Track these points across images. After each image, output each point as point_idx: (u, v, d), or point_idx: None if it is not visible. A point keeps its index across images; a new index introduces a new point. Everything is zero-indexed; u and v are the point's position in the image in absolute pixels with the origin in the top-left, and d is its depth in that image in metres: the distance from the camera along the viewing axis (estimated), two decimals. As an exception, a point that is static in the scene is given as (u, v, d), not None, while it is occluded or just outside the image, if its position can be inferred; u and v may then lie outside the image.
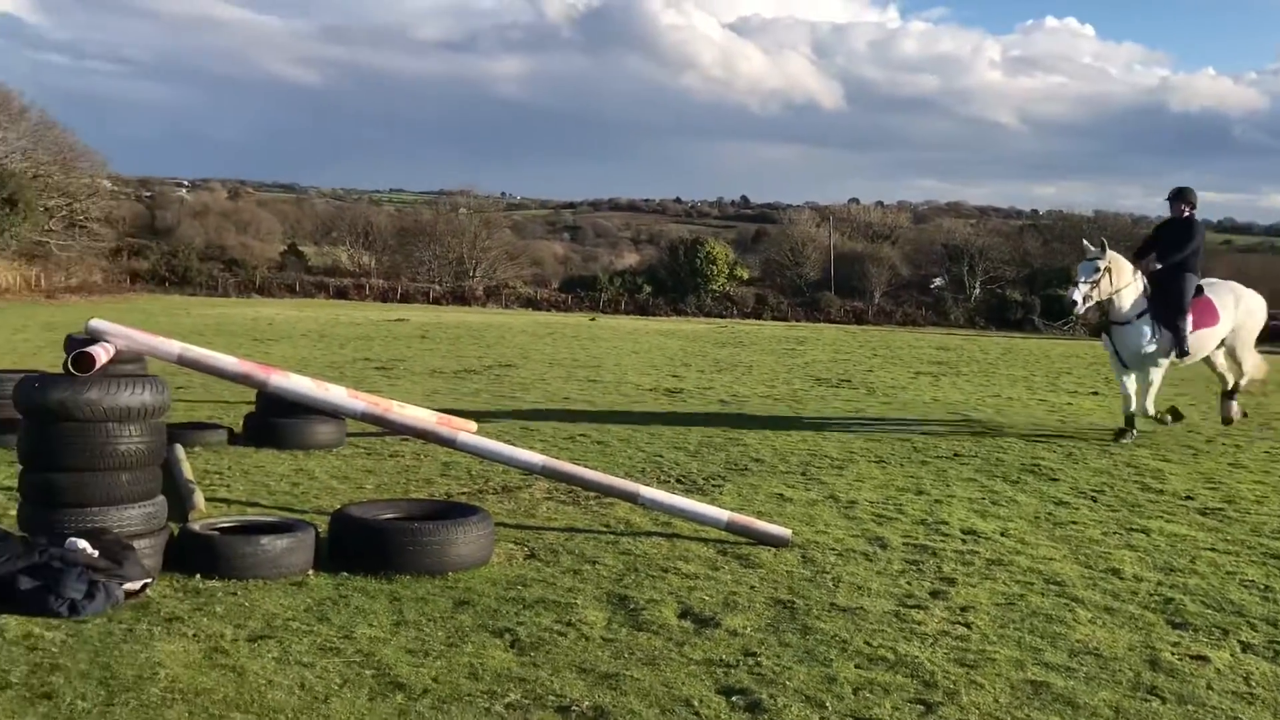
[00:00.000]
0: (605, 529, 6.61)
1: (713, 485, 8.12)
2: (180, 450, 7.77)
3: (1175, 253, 10.93)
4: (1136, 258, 11.30)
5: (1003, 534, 6.84)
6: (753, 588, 5.47)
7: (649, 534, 6.49)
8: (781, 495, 7.83)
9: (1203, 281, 11.27)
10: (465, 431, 7.80)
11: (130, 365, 7.97)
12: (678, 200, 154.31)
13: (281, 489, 7.45)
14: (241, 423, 9.52)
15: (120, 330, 6.75)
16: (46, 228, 44.00)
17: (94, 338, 6.50)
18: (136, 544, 5.01)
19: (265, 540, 5.25)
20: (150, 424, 5.25)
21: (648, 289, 57.37)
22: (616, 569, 5.70)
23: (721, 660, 4.40)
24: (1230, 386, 11.81)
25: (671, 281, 57.91)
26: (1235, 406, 11.84)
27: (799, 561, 6.01)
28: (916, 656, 4.52)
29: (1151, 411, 11.10)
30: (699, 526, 6.52)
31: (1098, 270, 10.70)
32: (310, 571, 5.36)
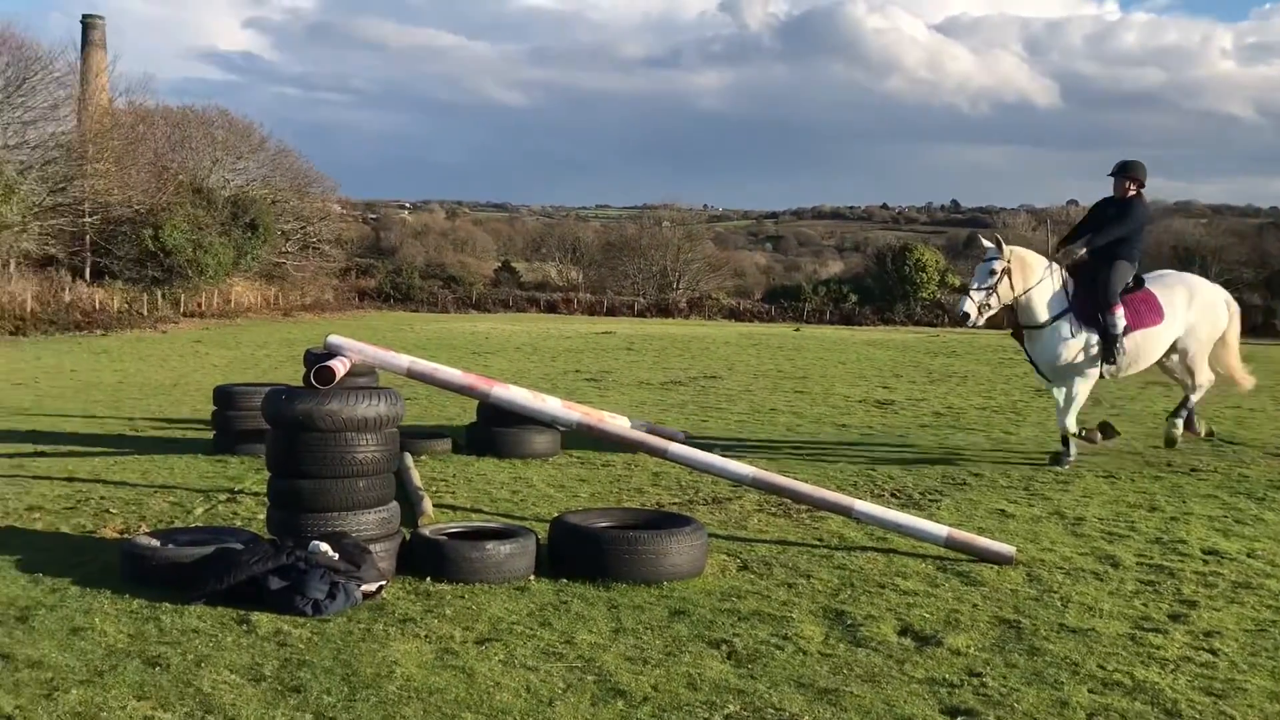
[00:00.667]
0: (818, 542, 6.53)
1: (929, 500, 7.91)
2: (409, 458, 8.15)
3: (1108, 237, 9.26)
4: (1064, 243, 9.86)
5: (1249, 555, 6.38)
6: (975, 606, 5.28)
7: (864, 549, 6.38)
8: (1003, 511, 7.54)
9: (1148, 275, 9.64)
10: (674, 442, 7.88)
11: (363, 378, 8.47)
12: (884, 206, 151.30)
13: (502, 496, 7.72)
14: (464, 432, 9.93)
15: (355, 345, 7.15)
16: (283, 250, 47.12)
17: (332, 353, 6.92)
18: (373, 547, 5.29)
19: (490, 546, 5.45)
20: (385, 433, 5.54)
21: (853, 298, 56.44)
22: (831, 583, 5.62)
23: (945, 680, 4.27)
24: (1184, 401, 9.94)
25: (879, 290, 56.78)
26: (1194, 424, 9.98)
27: (1024, 580, 5.77)
28: (1156, 683, 4.26)
29: (1072, 429, 9.37)
30: (916, 542, 6.36)
31: (994, 273, 9.22)
32: (531, 577, 5.52)
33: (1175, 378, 10.26)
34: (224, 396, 9.45)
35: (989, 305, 9.28)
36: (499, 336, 30.90)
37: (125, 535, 6.19)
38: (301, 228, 48.82)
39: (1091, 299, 9.19)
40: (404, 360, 7.29)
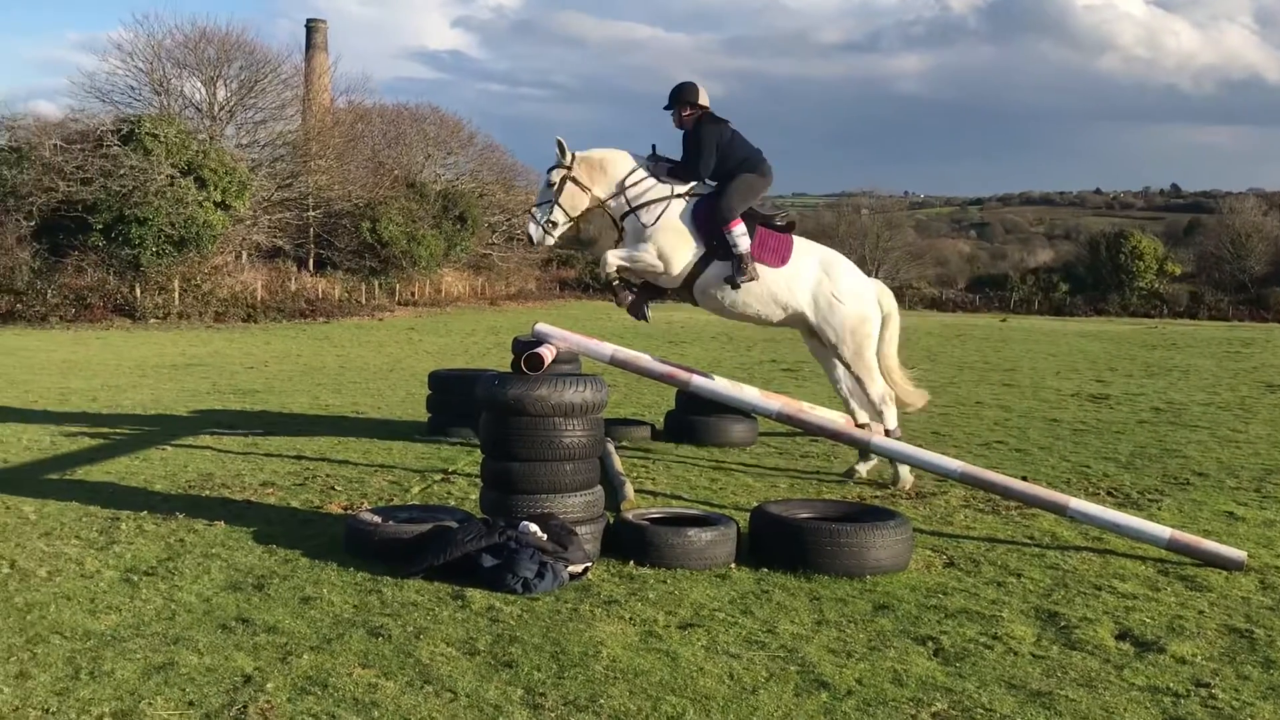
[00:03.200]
0: (1029, 540, 6.29)
1: (1149, 500, 7.50)
2: (610, 444, 8.31)
3: (690, 176, 7.98)
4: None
5: None
6: (1201, 612, 4.98)
7: (1078, 549, 6.11)
8: (1231, 514, 7.08)
9: (813, 247, 8.33)
10: (877, 435, 7.75)
11: (567, 365, 8.69)
12: (1097, 191, 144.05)
13: (701, 484, 7.77)
14: (663, 419, 10.05)
15: (561, 333, 7.34)
16: (490, 241, 48.80)
17: (539, 340, 7.13)
18: (579, 530, 5.43)
19: (692, 533, 5.50)
20: (591, 419, 5.66)
21: (1064, 287, 54.04)
22: (1044, 583, 5.41)
23: (1168, 689, 4.05)
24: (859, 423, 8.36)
25: (1091, 279, 54.18)
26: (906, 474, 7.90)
27: (1256, 587, 5.40)
28: None
29: (610, 267, 8.06)
30: (1135, 543, 6.05)
31: (552, 185, 7.99)
32: (732, 565, 5.54)
33: (840, 393, 8.68)
34: (438, 381, 9.88)
35: (554, 222, 8.04)
36: (694, 326, 31.07)
37: (349, 511, 6.56)
38: (507, 220, 50.41)
39: (708, 215, 7.93)
40: (608, 348, 7.44)
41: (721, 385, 7.79)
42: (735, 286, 7.90)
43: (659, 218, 7.91)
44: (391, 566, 5.30)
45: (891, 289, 9.03)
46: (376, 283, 38.53)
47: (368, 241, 39.26)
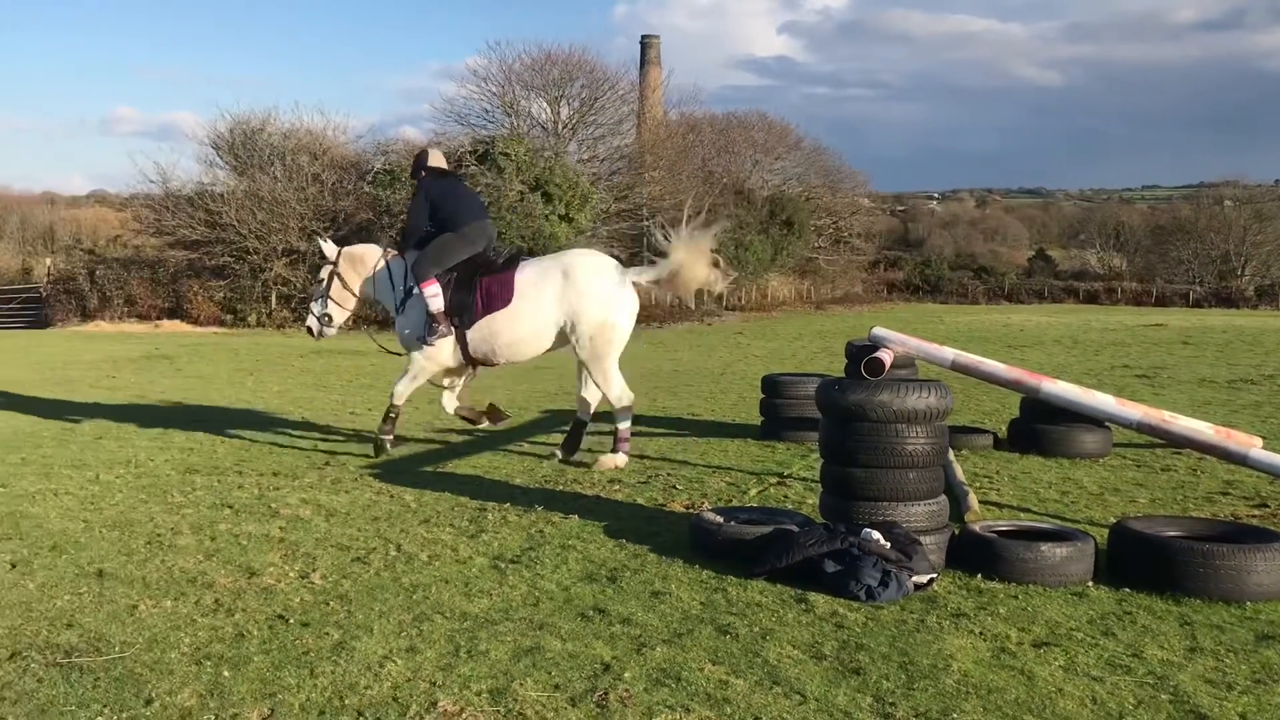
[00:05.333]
0: None
1: None
2: (950, 452, 8.08)
3: (404, 244, 8.88)
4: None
5: None
6: None
7: None
8: None
9: (548, 256, 8.87)
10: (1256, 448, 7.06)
11: (903, 370, 8.53)
12: None
13: (1050, 496, 7.39)
14: (1006, 428, 9.64)
15: (898, 337, 7.22)
16: (816, 245, 48.72)
17: (875, 344, 7.04)
18: (923, 539, 5.32)
19: (1045, 547, 5.25)
20: (934, 426, 5.53)
21: None
22: None
23: None
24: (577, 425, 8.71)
25: None
26: (608, 458, 8.33)
27: None
28: None
29: (397, 400, 8.75)
30: None
31: (321, 281, 9.07)
32: (1089, 583, 5.24)
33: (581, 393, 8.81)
34: (771, 385, 9.99)
35: (330, 315, 9.04)
36: (1034, 329, 29.57)
37: (690, 510, 6.77)
38: (833, 223, 50.15)
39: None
40: (948, 353, 7.25)
41: (1073, 391, 7.38)
42: (427, 344, 8.52)
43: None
44: (735, 566, 5.42)
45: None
46: (705, 289, 39.42)
47: (698, 248, 40.25)
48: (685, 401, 13.00)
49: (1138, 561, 5.22)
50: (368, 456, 8.75)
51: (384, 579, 5.31)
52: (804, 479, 7.85)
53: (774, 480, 7.89)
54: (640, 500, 7.18)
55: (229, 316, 31.52)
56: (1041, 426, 9.00)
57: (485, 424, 9.39)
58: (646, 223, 39.62)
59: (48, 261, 38.77)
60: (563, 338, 8.52)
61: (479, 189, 31.40)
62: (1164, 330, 28.65)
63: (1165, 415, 8.17)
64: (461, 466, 8.41)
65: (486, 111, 39.28)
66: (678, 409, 12.23)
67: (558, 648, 4.34)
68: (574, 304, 8.32)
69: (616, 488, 7.58)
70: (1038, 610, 4.85)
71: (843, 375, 7.97)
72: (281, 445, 9.39)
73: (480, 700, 3.84)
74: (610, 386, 8.41)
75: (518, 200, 31.43)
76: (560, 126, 38.94)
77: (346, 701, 3.82)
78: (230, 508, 6.87)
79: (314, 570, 5.44)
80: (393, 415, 8.82)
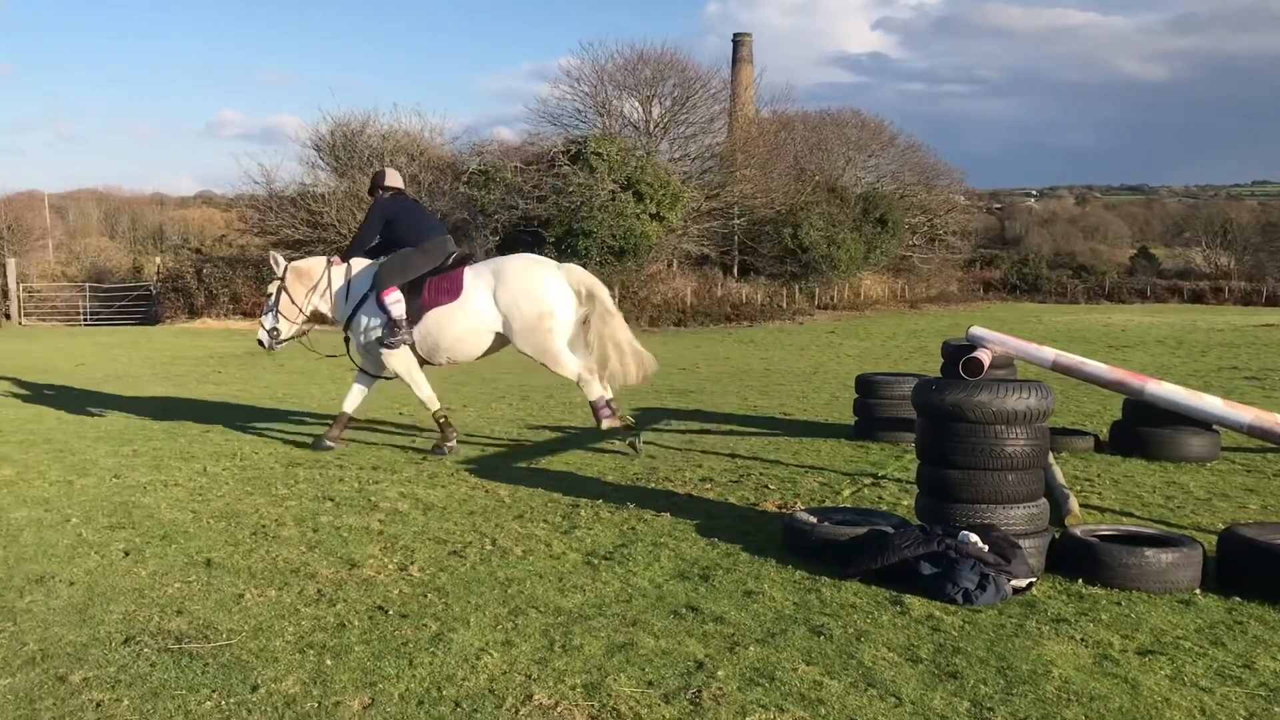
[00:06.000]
0: None
1: None
2: (1050, 455, 7.90)
3: (350, 254, 9.30)
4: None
5: None
6: None
7: None
8: None
9: (482, 262, 9.19)
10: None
11: (1001, 370, 8.37)
12: None
13: (1155, 501, 7.19)
14: (1107, 430, 9.40)
15: (998, 336, 7.10)
16: (910, 243, 48.00)
17: (973, 344, 6.93)
18: (1021, 543, 5.22)
19: (1149, 553, 5.11)
20: (1034, 428, 5.42)
21: None
22: None
23: None
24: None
25: None
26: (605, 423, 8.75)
27: None
28: None
29: (432, 406, 9.06)
30: None
31: (269, 295, 9.40)
32: (1197, 591, 5.08)
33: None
34: (865, 385, 9.88)
35: (279, 329, 9.27)
36: (1136, 329, 28.76)
37: (783, 510, 6.74)
38: (928, 221, 49.35)
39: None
40: (1049, 353, 7.10)
41: (1179, 393, 7.15)
42: (389, 347, 8.86)
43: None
44: (828, 567, 5.38)
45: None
46: (797, 287, 39.18)
47: (789, 247, 40.00)
48: (777, 401, 12.94)
49: (1249, 570, 5.05)
50: (463, 452, 8.89)
51: (480, 573, 5.39)
52: (898, 480, 7.76)
53: (868, 481, 7.81)
54: (732, 499, 7.17)
55: (328, 314, 32.26)
56: (1145, 429, 8.75)
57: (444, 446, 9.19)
58: (736, 221, 39.58)
59: (157, 260, 40.16)
60: (502, 339, 8.89)
61: (570, 189, 31.69)
62: (1275, 331, 27.59)
63: (1278, 418, 7.89)
64: (554, 463, 8.49)
65: (579, 111, 39.56)
66: (769, 408, 12.18)
67: (651, 644, 4.37)
68: (507, 302, 8.69)
69: (708, 486, 7.58)
70: (1142, 617, 4.72)
71: (939, 375, 7.87)
72: (379, 440, 9.59)
73: (575, 694, 3.87)
74: (564, 369, 8.72)
75: (609, 200, 31.60)
76: (652, 125, 39.01)
77: (444, 692, 3.89)
78: (331, 500, 7.05)
79: (412, 563, 5.55)
80: (441, 420, 9.05)
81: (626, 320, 9.30)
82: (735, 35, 56.54)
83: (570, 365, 8.72)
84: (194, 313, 33.31)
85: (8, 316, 31.82)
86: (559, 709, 3.75)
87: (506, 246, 9.87)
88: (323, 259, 9.53)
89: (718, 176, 39.25)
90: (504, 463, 8.50)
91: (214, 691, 3.90)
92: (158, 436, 9.66)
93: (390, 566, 5.50)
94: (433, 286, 8.85)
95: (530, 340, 8.68)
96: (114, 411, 11.39)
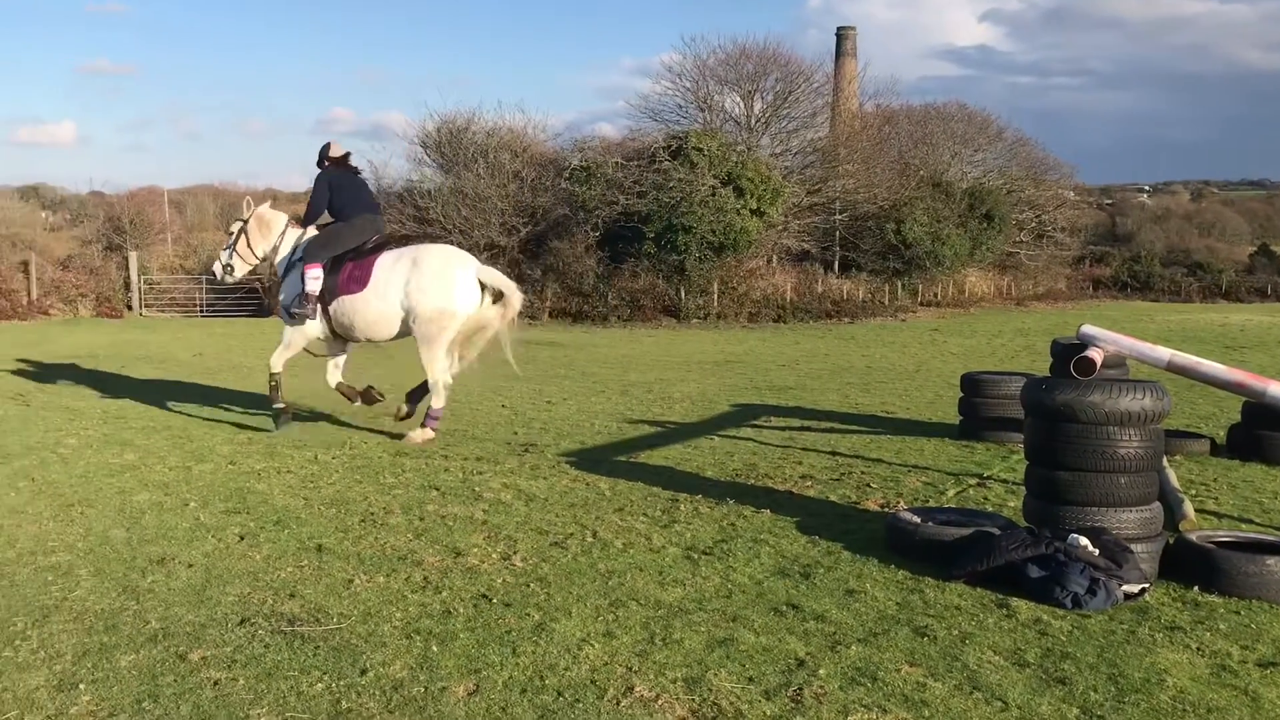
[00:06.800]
0: None
1: None
2: (1164, 458, 7.66)
3: (305, 223, 9.90)
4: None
5: None
6: None
7: None
8: None
9: (412, 248, 9.60)
10: None
11: (1113, 370, 8.14)
12: None
13: (1276, 508, 6.92)
14: (1224, 433, 9.08)
15: (1111, 335, 6.90)
16: (1017, 239, 46.90)
17: (1084, 342, 6.74)
18: (1134, 547, 5.08)
19: (1272, 561, 4.93)
20: (1149, 429, 5.27)
21: None
22: None
23: None
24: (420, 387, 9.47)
25: None
26: (417, 433, 9.07)
27: None
28: None
29: (274, 368, 9.64)
30: None
31: (231, 234, 10.05)
32: (1322, 602, 4.88)
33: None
34: (971, 384, 9.70)
35: (232, 265, 9.92)
36: (1255, 329, 27.66)
37: (885, 509, 6.66)
38: (1036, 216, 48.17)
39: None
40: (1164, 353, 6.87)
41: (1303, 398, 6.86)
42: (295, 318, 9.37)
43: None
44: (932, 567, 5.31)
45: None
46: (899, 283, 38.59)
47: (891, 243, 39.40)
48: (879, 399, 12.78)
49: (1378, 581, 4.83)
50: (563, 445, 8.99)
51: (581, 564, 5.45)
52: (1005, 481, 7.61)
53: (973, 481, 7.67)
54: (833, 497, 7.12)
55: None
56: (1266, 433, 8.44)
57: (358, 404, 9.93)
58: (838, 217, 39.19)
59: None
60: (406, 325, 9.26)
61: (671, 184, 31.71)
62: None
63: None
64: (653, 457, 8.53)
65: (680, 107, 39.47)
66: (871, 406, 12.04)
67: (751, 641, 4.36)
68: (414, 292, 9.02)
69: (809, 484, 7.54)
70: (1263, 628, 4.56)
71: (1048, 374, 7.69)
72: (482, 434, 9.74)
73: (675, 688, 3.89)
74: (433, 368, 9.11)
75: (709, 195, 31.53)
76: (753, 120, 38.76)
77: (547, 681, 3.95)
78: (437, 490, 7.19)
79: (515, 553, 5.64)
80: (273, 383, 9.63)
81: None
82: (839, 29, 55.82)
83: (440, 369, 9.14)
84: (304, 305, 34.15)
85: (130, 307, 33.10)
86: (660, 701, 3.78)
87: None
88: (285, 216, 10.12)
89: (819, 171, 38.82)
90: (604, 456, 8.57)
91: (325, 674, 4.02)
92: (271, 424, 9.96)
93: (494, 556, 5.59)
94: (347, 273, 9.30)
95: (423, 329, 9.09)
96: (229, 400, 11.78)
